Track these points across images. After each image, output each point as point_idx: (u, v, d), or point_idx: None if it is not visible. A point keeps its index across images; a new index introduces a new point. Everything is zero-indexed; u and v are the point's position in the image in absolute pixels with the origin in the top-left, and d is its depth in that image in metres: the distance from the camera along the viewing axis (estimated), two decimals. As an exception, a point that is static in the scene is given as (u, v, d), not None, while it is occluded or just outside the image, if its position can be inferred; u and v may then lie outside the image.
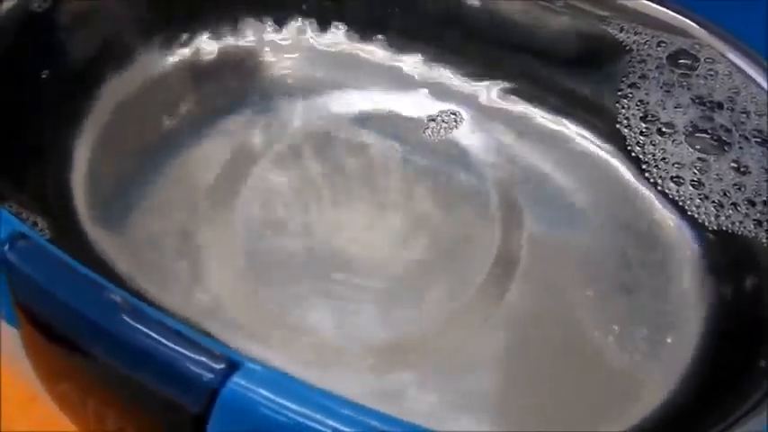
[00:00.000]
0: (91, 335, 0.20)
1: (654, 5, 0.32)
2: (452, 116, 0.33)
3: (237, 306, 0.28)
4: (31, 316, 0.21)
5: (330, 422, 0.18)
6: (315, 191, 0.31)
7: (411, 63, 0.34)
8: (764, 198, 0.29)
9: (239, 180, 0.31)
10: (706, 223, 0.29)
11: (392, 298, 0.29)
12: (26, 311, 0.21)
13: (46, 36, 0.31)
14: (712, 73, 0.31)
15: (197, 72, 0.34)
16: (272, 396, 0.18)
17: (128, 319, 0.19)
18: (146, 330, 0.19)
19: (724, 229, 0.29)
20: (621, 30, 0.33)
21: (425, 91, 0.34)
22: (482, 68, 0.34)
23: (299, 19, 0.35)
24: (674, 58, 0.32)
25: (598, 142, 0.32)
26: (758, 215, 0.29)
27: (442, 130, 0.33)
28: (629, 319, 0.28)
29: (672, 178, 0.30)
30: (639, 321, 0.28)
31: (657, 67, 0.32)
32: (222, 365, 0.19)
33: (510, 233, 0.30)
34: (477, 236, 0.30)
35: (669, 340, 0.28)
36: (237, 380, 0.19)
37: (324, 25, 0.35)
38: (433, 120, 0.33)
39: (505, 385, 0.27)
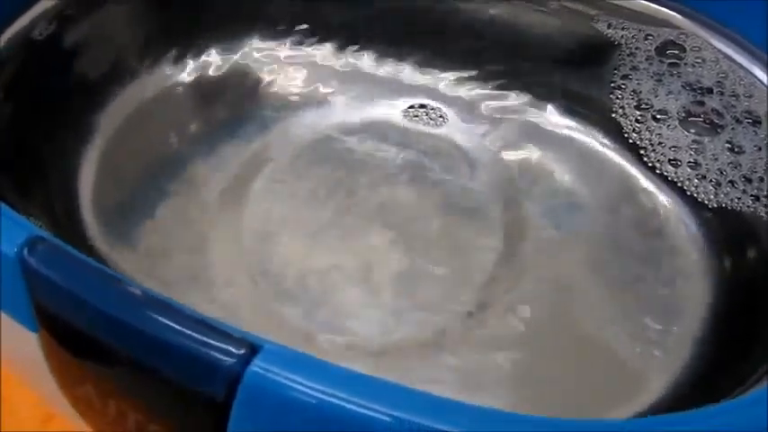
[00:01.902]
0: (112, 330, 0.20)
1: (639, 1, 0.33)
2: (449, 120, 0.34)
3: (249, 319, 0.28)
4: (52, 318, 0.21)
5: (355, 399, 0.18)
6: (320, 202, 0.32)
7: (406, 71, 0.35)
8: (760, 174, 0.30)
9: (244, 195, 0.32)
10: (705, 201, 0.30)
11: (398, 299, 0.29)
12: (47, 314, 0.21)
13: (48, 61, 0.32)
14: (699, 60, 0.32)
15: (199, 89, 0.35)
16: (294, 376, 0.19)
17: (148, 311, 0.20)
18: (165, 321, 0.20)
19: (723, 206, 0.29)
20: (609, 26, 0.34)
21: (422, 97, 0.35)
22: (476, 72, 0.35)
23: (297, 34, 0.36)
24: (661, 49, 0.33)
25: (595, 133, 0.33)
26: (755, 191, 0.29)
27: (439, 135, 0.34)
28: (634, 308, 0.28)
29: (669, 161, 0.31)
30: (645, 309, 0.28)
31: (647, 59, 0.33)
32: (242, 350, 0.19)
33: (512, 230, 0.31)
34: (479, 235, 0.31)
35: (674, 325, 0.28)
36: (259, 362, 0.19)
37: (321, 39, 0.36)
38: (431, 125, 0.34)
39: (513, 378, 0.27)
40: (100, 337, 0.20)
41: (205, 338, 0.19)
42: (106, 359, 0.20)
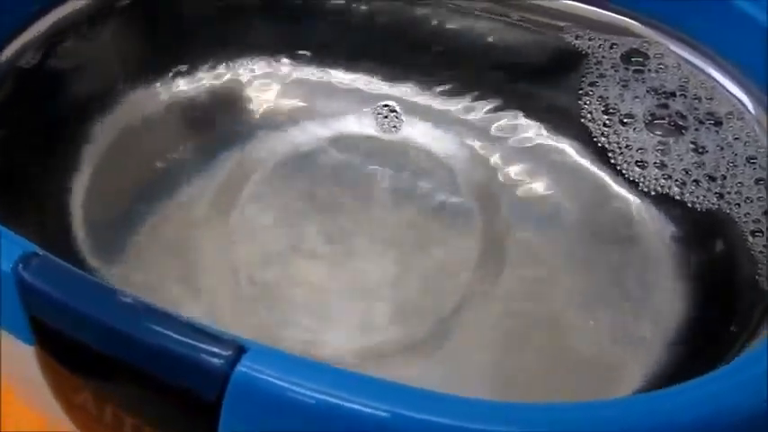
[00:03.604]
0: (105, 337, 0.21)
1: (603, 12, 0.35)
2: (422, 131, 0.35)
3: (236, 328, 0.29)
4: (47, 330, 0.22)
5: (344, 395, 0.19)
6: (305, 216, 0.33)
7: (378, 84, 0.36)
8: (722, 173, 0.31)
9: (231, 206, 0.33)
10: (672, 200, 0.31)
11: (378, 304, 0.30)
12: (42, 326, 0.22)
13: (37, 88, 0.33)
14: (662, 66, 0.33)
15: (185, 108, 0.35)
16: (281, 375, 0.19)
17: (138, 318, 0.21)
18: (156, 327, 0.20)
19: (689, 204, 0.30)
20: (577, 37, 0.35)
21: (394, 108, 0.36)
22: (446, 82, 0.36)
23: (276, 53, 0.37)
24: (626, 57, 0.34)
25: (565, 138, 0.34)
26: (719, 188, 0.30)
27: (412, 145, 0.35)
28: (612, 306, 0.29)
29: (636, 162, 0.32)
30: (622, 307, 0.29)
31: (613, 67, 0.34)
32: (230, 351, 0.20)
33: (490, 236, 0.32)
34: (457, 241, 0.32)
35: (650, 321, 0.29)
36: (246, 363, 0.19)
37: (298, 56, 0.37)
38: (404, 136, 0.35)
39: (494, 378, 0.28)
40: (93, 344, 0.21)
41: (194, 342, 0.20)
42: (100, 366, 0.21)
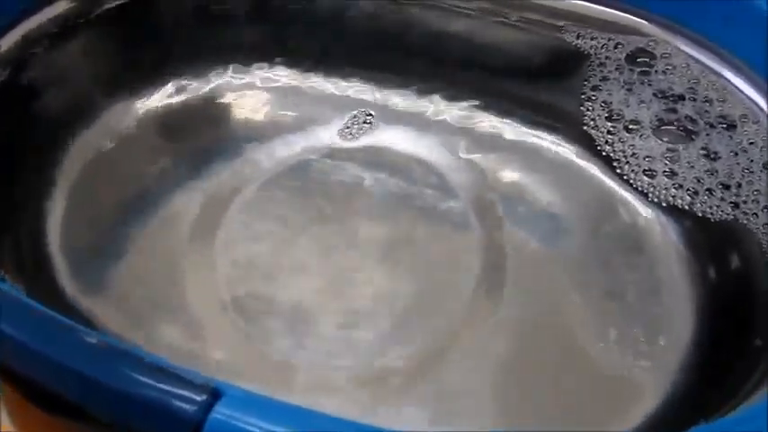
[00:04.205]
0: (68, 382, 0.19)
1: (606, 9, 0.33)
2: (419, 139, 0.34)
3: (225, 353, 0.28)
4: (10, 375, 0.20)
5: None
6: (293, 229, 0.31)
7: (371, 91, 0.35)
8: (737, 180, 0.29)
9: (217, 226, 0.31)
10: (684, 211, 0.29)
11: (380, 324, 0.28)
12: (5, 371, 0.21)
13: (7, 105, 0.31)
14: (670, 67, 0.32)
15: (164, 122, 0.34)
16: (258, 422, 0.18)
17: (105, 361, 0.19)
18: (124, 370, 0.19)
19: (700, 215, 0.29)
20: (578, 37, 0.33)
21: (390, 117, 0.34)
22: (442, 88, 0.34)
23: (260, 61, 0.35)
24: (631, 57, 0.32)
25: (567, 146, 0.32)
26: (734, 197, 0.29)
27: (409, 154, 0.33)
28: (620, 321, 0.28)
29: (644, 171, 0.31)
30: (630, 322, 0.28)
31: (617, 68, 0.32)
32: (204, 396, 0.18)
33: (492, 249, 0.30)
34: (459, 255, 0.30)
35: (661, 336, 0.27)
36: (221, 409, 0.18)
37: (283, 66, 0.35)
38: (400, 144, 0.34)
39: (503, 397, 0.27)
40: (52, 389, 0.19)
41: (165, 386, 0.19)
42: (60, 412, 0.20)
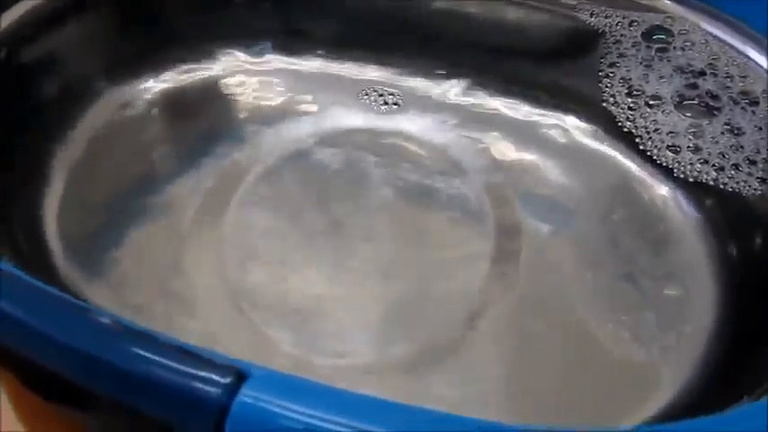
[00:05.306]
0: (80, 366, 0.18)
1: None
2: (433, 123, 0.33)
3: (232, 345, 0.27)
4: (10, 356, 0.19)
5: (354, 423, 0.17)
6: (299, 217, 0.30)
7: (383, 76, 0.34)
8: (764, 156, 0.29)
9: (220, 213, 0.30)
10: (708, 188, 0.29)
11: (387, 316, 0.27)
12: (7, 352, 0.19)
13: (4, 87, 0.30)
14: (689, 43, 0.31)
15: (167, 105, 0.33)
16: (287, 404, 0.17)
17: (120, 342, 0.18)
18: (141, 352, 0.18)
19: (728, 190, 0.28)
20: (592, 15, 0.33)
21: (401, 101, 0.34)
22: (457, 72, 0.34)
23: (267, 45, 0.35)
24: (648, 34, 0.32)
25: (586, 125, 0.32)
26: (761, 173, 0.28)
27: (421, 139, 0.32)
28: (638, 306, 0.27)
29: (668, 147, 0.30)
30: (649, 307, 0.27)
31: (634, 45, 0.32)
32: (229, 378, 0.17)
33: (506, 231, 0.30)
34: (470, 240, 0.29)
35: (681, 322, 0.27)
36: (248, 391, 0.17)
37: (289, 48, 0.35)
38: (413, 129, 0.33)
39: (518, 383, 0.26)
40: (67, 374, 0.18)
41: (186, 368, 0.18)
42: (75, 399, 0.18)
